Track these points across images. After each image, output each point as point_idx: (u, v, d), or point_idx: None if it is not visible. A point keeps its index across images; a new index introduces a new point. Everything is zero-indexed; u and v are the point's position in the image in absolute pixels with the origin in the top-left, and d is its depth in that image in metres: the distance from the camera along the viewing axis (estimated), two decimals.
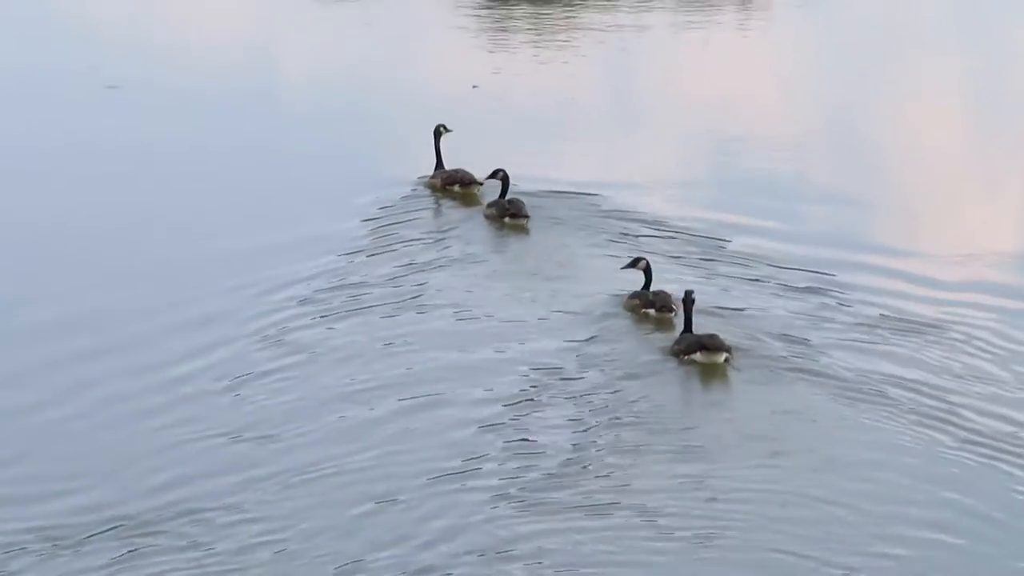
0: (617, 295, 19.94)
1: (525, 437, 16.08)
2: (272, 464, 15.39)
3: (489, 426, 16.27)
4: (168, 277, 20.45)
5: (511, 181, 23.34)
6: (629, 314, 19.61)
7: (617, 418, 16.59)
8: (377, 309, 19.38)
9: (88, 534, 13.87)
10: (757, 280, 20.57)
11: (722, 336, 18.12)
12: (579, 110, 29.19)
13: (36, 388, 16.87)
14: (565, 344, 18.49)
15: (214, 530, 14.00)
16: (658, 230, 22.56)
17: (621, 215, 23.27)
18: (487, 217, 23.10)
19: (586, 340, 18.68)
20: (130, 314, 19.04)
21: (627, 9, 38.46)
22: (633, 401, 17.09)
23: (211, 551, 13.69)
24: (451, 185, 23.86)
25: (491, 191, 23.68)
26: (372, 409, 16.70)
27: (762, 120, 28.08)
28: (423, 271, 20.78)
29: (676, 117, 28.52)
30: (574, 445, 15.84)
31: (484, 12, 38.62)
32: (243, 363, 17.63)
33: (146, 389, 16.92)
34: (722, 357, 17.98)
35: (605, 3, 38.37)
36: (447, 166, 24.21)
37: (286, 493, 14.79)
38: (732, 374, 17.95)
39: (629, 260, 20.22)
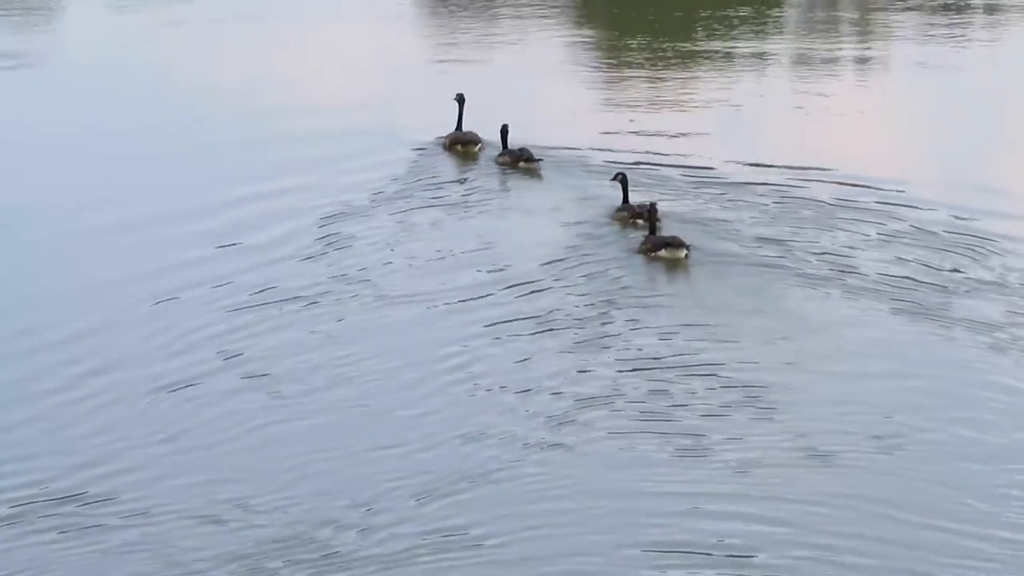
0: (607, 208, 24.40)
1: (531, 316, 19.96)
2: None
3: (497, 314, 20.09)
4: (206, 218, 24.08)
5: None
6: (616, 223, 23.73)
7: (604, 300, 20.62)
8: (404, 217, 24.21)
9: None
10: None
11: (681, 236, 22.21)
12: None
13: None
14: (563, 246, 22.73)
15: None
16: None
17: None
18: (500, 164, 27.19)
19: (579, 243, 22.94)
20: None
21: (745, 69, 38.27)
22: (614, 287, 21.13)
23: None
24: (455, 144, 28.17)
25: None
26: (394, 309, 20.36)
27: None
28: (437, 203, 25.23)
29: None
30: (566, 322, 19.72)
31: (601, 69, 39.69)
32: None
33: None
34: (683, 253, 21.96)
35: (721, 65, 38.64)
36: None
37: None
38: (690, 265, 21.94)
39: (613, 175, 24.51)
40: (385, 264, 21.81)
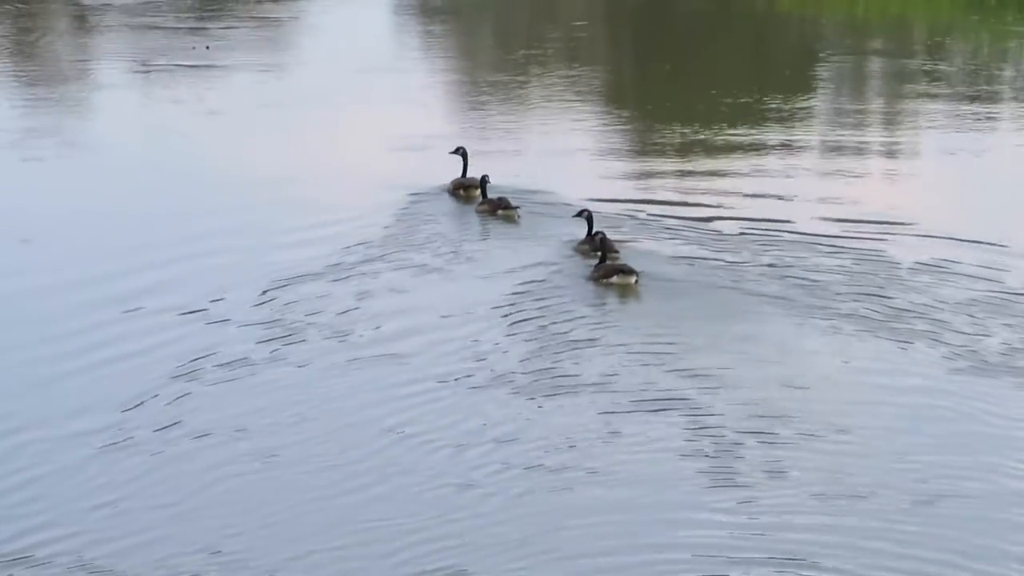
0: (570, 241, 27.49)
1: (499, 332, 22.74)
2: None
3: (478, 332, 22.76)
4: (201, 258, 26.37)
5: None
6: (579, 255, 26.60)
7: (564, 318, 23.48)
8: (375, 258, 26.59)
9: None
10: None
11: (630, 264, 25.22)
12: None
13: None
14: (532, 274, 25.55)
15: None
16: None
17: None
18: (479, 212, 30.07)
19: (547, 273, 25.73)
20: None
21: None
22: (571, 310, 23.94)
23: None
24: (458, 189, 31.58)
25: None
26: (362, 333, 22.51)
27: None
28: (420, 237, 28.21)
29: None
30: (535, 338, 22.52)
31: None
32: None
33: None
34: (633, 279, 24.74)
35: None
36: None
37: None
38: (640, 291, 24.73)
39: (577, 211, 27.37)
40: (353, 311, 23.52)
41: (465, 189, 31.14)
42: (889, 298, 23.83)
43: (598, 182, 33.40)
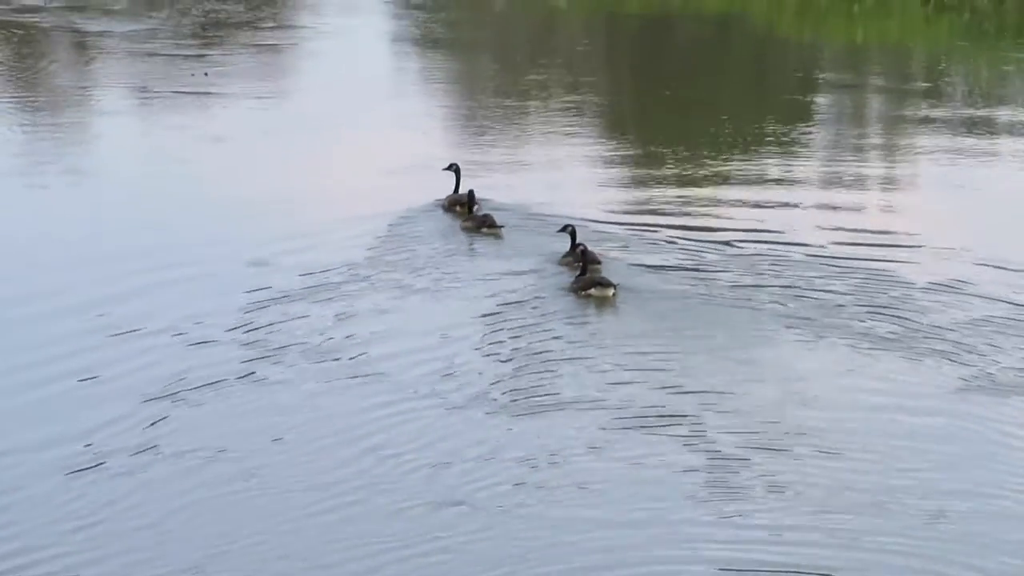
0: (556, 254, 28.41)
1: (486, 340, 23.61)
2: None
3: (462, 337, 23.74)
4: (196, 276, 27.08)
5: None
6: (564, 268, 27.52)
7: (543, 329, 24.35)
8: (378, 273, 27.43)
9: None
10: None
11: (609, 277, 26.06)
12: None
13: None
14: (516, 286, 26.50)
15: None
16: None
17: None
18: (465, 229, 30.98)
19: (530, 287, 26.65)
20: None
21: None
22: (548, 320, 24.85)
23: None
24: (454, 205, 32.40)
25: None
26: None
27: None
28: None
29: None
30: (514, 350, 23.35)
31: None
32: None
33: None
34: (611, 292, 25.66)
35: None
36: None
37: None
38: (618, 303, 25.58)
39: (561, 226, 28.35)
40: (334, 329, 23.89)
41: (461, 206, 31.90)
42: (895, 317, 24.23)
43: (593, 201, 33.95)
